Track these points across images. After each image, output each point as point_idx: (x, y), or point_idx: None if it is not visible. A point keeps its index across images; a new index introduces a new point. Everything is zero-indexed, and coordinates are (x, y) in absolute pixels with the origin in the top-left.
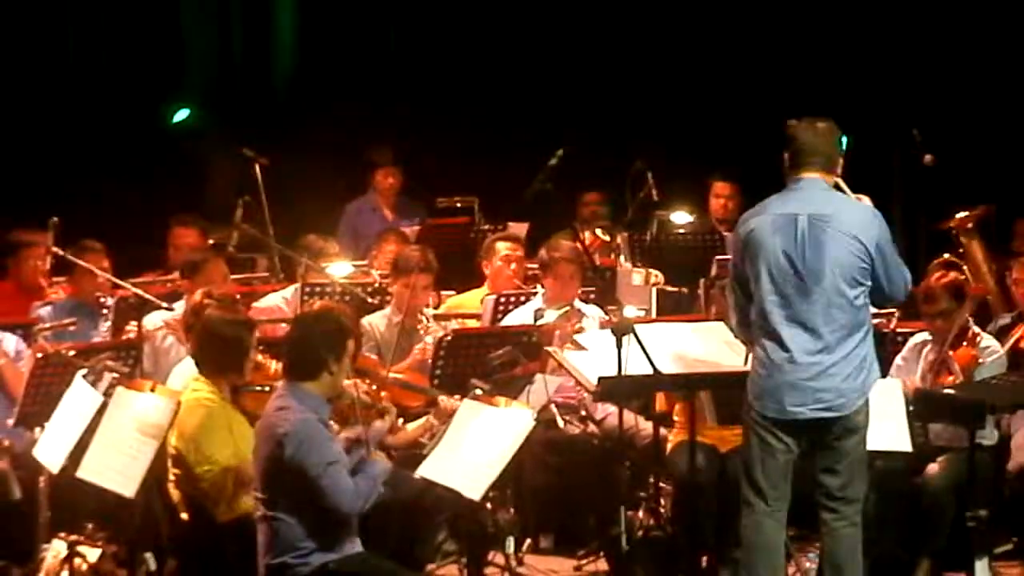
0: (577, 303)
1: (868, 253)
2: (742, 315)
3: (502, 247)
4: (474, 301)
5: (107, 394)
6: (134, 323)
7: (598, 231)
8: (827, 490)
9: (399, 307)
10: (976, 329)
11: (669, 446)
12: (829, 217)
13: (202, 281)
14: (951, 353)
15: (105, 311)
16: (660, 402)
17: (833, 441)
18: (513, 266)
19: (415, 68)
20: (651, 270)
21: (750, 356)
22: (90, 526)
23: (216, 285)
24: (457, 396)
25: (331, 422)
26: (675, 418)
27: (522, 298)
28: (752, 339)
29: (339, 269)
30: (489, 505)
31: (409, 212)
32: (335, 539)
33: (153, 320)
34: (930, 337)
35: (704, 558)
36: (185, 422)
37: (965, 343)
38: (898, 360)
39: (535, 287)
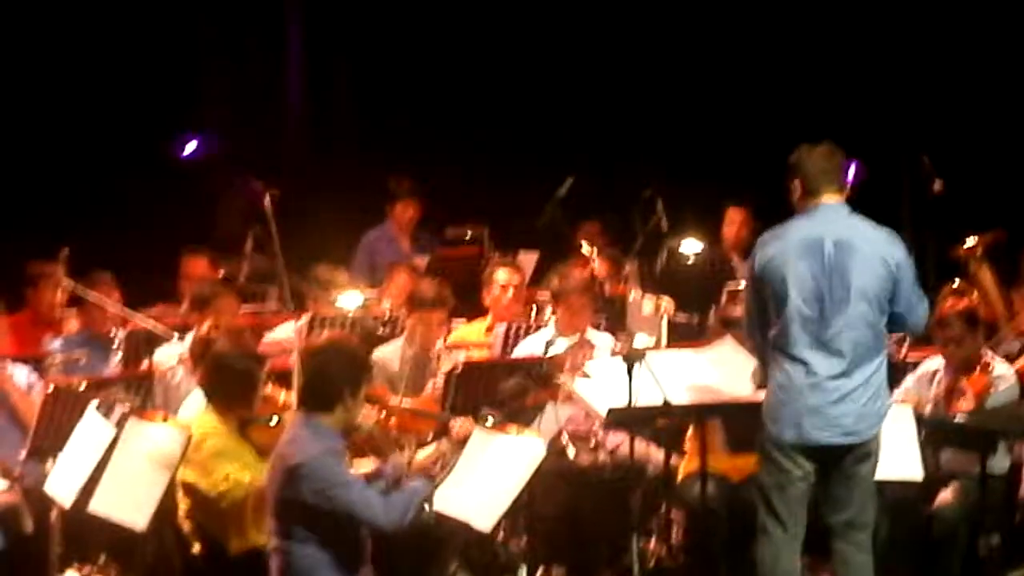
0: (589, 332)
1: (892, 276)
2: (761, 340)
3: (500, 276)
4: (476, 332)
5: (119, 425)
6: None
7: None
8: (839, 518)
9: (412, 340)
10: (989, 357)
11: (680, 475)
12: (854, 241)
13: (212, 315)
14: (965, 380)
15: (116, 344)
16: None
17: (848, 468)
18: (511, 293)
19: (424, 96)
20: (661, 298)
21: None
22: (103, 558)
23: (226, 319)
24: (468, 416)
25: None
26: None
27: (530, 328)
28: (769, 363)
29: (350, 299)
30: (501, 534)
31: (426, 243)
32: (348, 569)
33: (163, 356)
34: (941, 365)
35: None
36: (194, 452)
37: (978, 370)
38: (907, 383)
39: (542, 316)
